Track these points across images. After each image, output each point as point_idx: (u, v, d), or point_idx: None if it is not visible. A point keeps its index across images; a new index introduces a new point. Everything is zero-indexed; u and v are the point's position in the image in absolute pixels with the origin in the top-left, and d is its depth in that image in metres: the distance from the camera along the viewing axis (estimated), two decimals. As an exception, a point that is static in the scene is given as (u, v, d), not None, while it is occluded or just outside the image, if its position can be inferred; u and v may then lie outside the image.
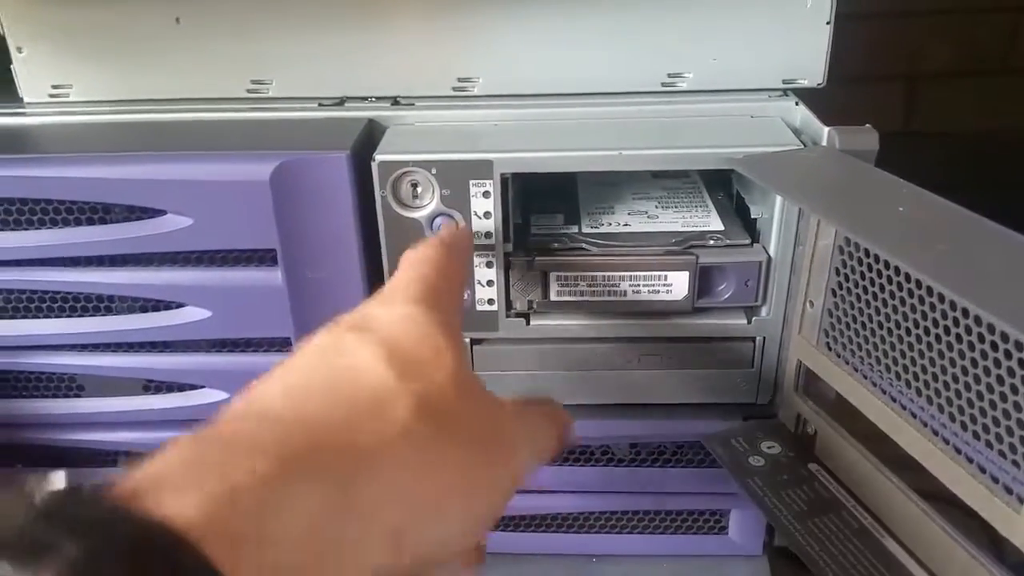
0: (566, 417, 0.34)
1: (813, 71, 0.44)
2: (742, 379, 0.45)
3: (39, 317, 0.45)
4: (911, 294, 0.34)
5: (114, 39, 0.46)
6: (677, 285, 0.43)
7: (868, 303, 0.37)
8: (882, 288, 0.36)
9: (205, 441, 0.22)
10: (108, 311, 0.44)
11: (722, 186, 0.49)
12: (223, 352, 0.45)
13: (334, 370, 0.26)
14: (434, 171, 0.41)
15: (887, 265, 0.35)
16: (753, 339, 0.44)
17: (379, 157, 0.41)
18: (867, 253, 0.37)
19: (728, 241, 0.43)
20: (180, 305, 0.43)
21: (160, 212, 0.41)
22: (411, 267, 0.31)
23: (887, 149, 0.38)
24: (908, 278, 0.34)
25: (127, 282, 0.43)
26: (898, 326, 0.36)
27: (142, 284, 0.42)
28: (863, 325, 0.38)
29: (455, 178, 0.41)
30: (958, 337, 0.32)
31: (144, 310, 0.44)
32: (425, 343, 0.27)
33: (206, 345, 0.45)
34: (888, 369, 0.37)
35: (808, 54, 0.44)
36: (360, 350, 0.26)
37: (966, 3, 0.86)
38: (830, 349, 0.41)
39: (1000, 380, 0.30)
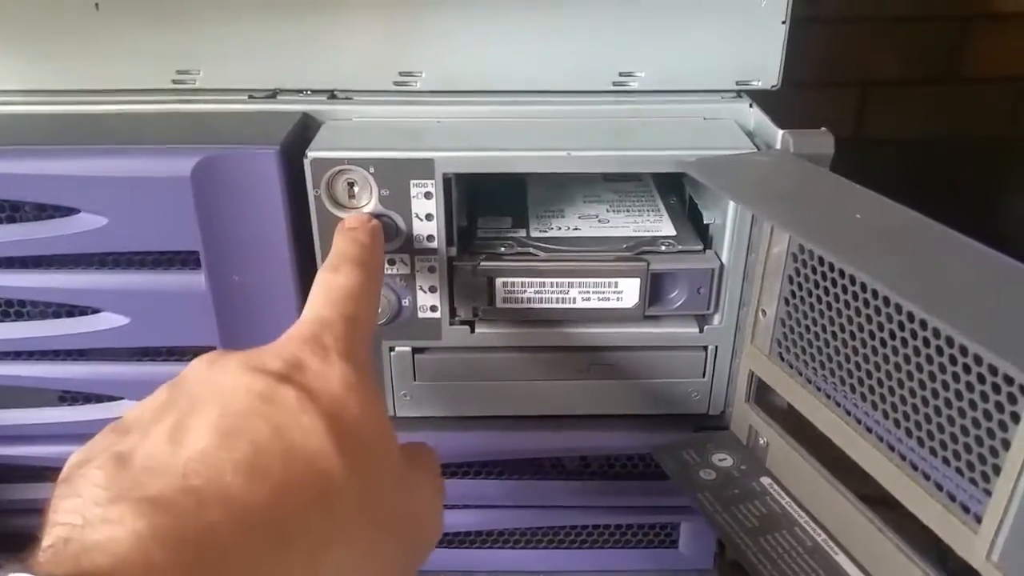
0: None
1: (767, 72, 0.43)
2: (693, 389, 0.44)
3: (-58, 322, 0.41)
4: (867, 304, 0.33)
5: (28, 24, 0.43)
6: (628, 292, 0.41)
7: (822, 313, 0.36)
8: (836, 297, 0.35)
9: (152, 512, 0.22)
10: (19, 316, 0.41)
11: (675, 190, 0.47)
12: (143, 361, 0.42)
13: (278, 438, 0.25)
14: (372, 170, 0.38)
15: (842, 274, 0.34)
16: (705, 348, 0.43)
17: (312, 154, 0.38)
18: (821, 261, 0.35)
19: (680, 247, 0.42)
20: (96, 311, 0.40)
21: (73, 211, 0.38)
22: (337, 301, 0.31)
23: (838, 155, 0.37)
24: (864, 287, 0.33)
25: (38, 285, 0.39)
26: (853, 337, 0.34)
27: (54, 288, 0.39)
28: (816, 335, 0.37)
29: (395, 177, 0.38)
30: (915, 349, 0.31)
31: (58, 315, 0.41)
32: (367, 423, 0.28)
33: (125, 354, 0.42)
34: (842, 381, 0.36)
35: (762, 55, 0.43)
36: (303, 418, 0.26)
37: (915, 11, 0.86)
38: (783, 359, 0.39)
39: (958, 395, 0.29)
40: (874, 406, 0.34)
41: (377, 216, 0.39)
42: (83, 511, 0.22)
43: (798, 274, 0.37)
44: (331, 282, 0.32)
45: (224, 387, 0.27)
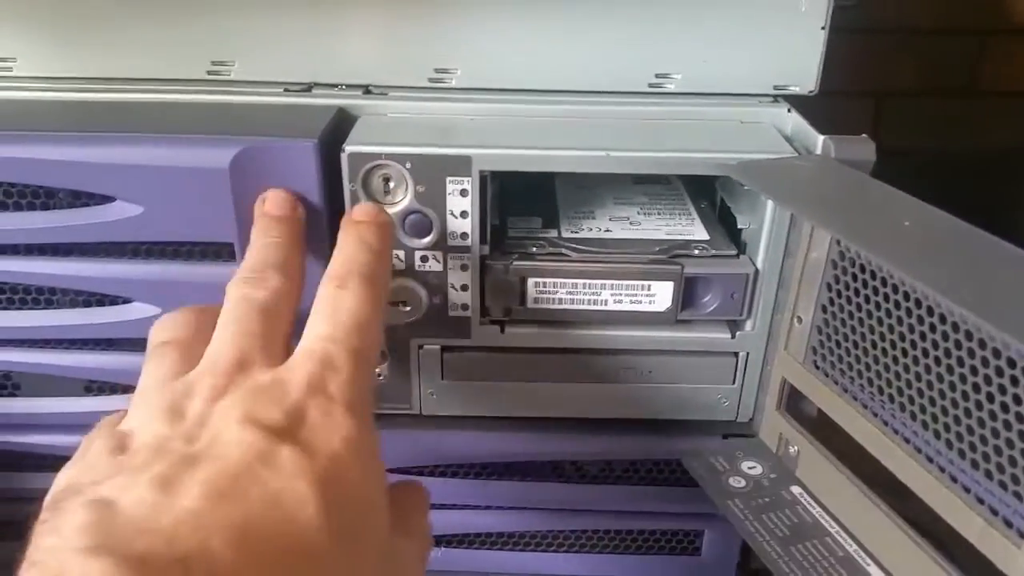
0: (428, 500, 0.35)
1: (805, 78, 0.43)
2: (723, 395, 0.44)
3: (-29, 308, 0.41)
4: (909, 313, 0.33)
5: (63, 10, 0.42)
6: (661, 296, 0.41)
7: (862, 321, 0.36)
8: (878, 306, 0.34)
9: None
10: (49, 304, 0.41)
11: (705, 194, 0.47)
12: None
13: (272, 508, 0.24)
14: (409, 165, 0.38)
15: (884, 281, 0.34)
16: (736, 354, 0.43)
17: (349, 148, 0.38)
18: (862, 268, 0.35)
19: (714, 251, 0.41)
20: (127, 300, 0.40)
21: (108, 199, 0.37)
22: (344, 330, 0.30)
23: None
24: (907, 295, 0.33)
25: (70, 274, 0.39)
26: (893, 346, 0.34)
27: (86, 276, 0.39)
28: (855, 344, 0.36)
29: (431, 174, 0.38)
30: (959, 360, 0.30)
31: (88, 304, 0.41)
32: (362, 491, 0.27)
33: (155, 345, 0.41)
34: (881, 391, 0.35)
35: (801, 60, 0.42)
36: (299, 484, 0.25)
37: (932, 24, 0.86)
38: (817, 367, 0.39)
39: (1004, 407, 0.29)
40: (913, 416, 0.33)
41: (411, 212, 0.39)
42: (61, 557, 0.22)
43: (837, 281, 0.37)
44: (338, 302, 0.30)
45: (222, 439, 0.26)
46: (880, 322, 0.34)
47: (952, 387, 0.31)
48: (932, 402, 0.32)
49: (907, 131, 0.90)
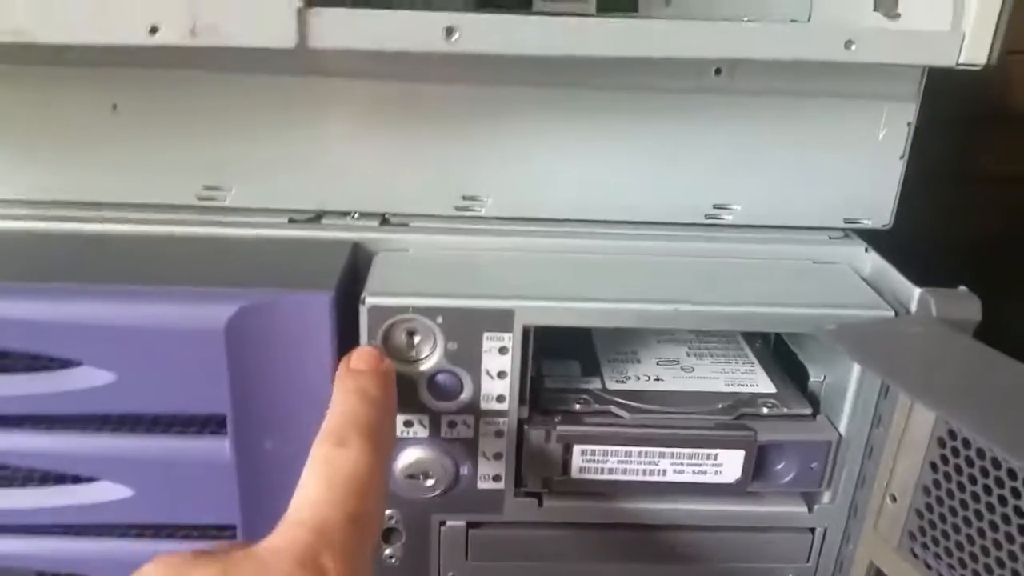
0: None
1: (879, 211, 0.38)
2: (795, 575, 0.38)
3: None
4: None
5: (35, 126, 0.36)
6: (729, 466, 0.35)
7: (979, 513, 0.30)
8: (1003, 500, 0.29)
9: None
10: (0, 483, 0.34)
11: (759, 332, 0.42)
12: (145, 538, 0.34)
13: None
14: (440, 320, 0.32)
15: (1012, 474, 0.28)
16: (812, 530, 0.37)
17: (370, 300, 0.32)
18: (981, 453, 0.30)
19: (785, 410, 0.36)
20: (93, 479, 0.33)
21: (74, 363, 0.31)
22: (341, 494, 0.26)
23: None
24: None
25: (24, 449, 0.32)
26: (1010, 540, 0.28)
27: (43, 452, 0.32)
28: (969, 539, 0.31)
29: (466, 329, 0.32)
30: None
31: (46, 482, 0.33)
32: None
33: (124, 529, 0.34)
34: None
35: (875, 192, 0.38)
36: None
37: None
38: (916, 556, 0.33)
39: None
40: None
41: (439, 372, 0.33)
42: None
43: (946, 462, 0.31)
44: (335, 462, 0.27)
45: None
46: (1008, 520, 0.29)
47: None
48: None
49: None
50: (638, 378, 0.38)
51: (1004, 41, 0.32)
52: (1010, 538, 0.29)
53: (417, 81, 0.36)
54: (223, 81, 0.35)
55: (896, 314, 0.33)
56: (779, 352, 0.40)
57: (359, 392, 0.29)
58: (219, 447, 0.32)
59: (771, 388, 0.37)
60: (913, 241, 0.37)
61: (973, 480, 0.30)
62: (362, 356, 0.31)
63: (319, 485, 0.26)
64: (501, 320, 0.32)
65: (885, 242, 0.38)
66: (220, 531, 0.34)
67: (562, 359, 0.39)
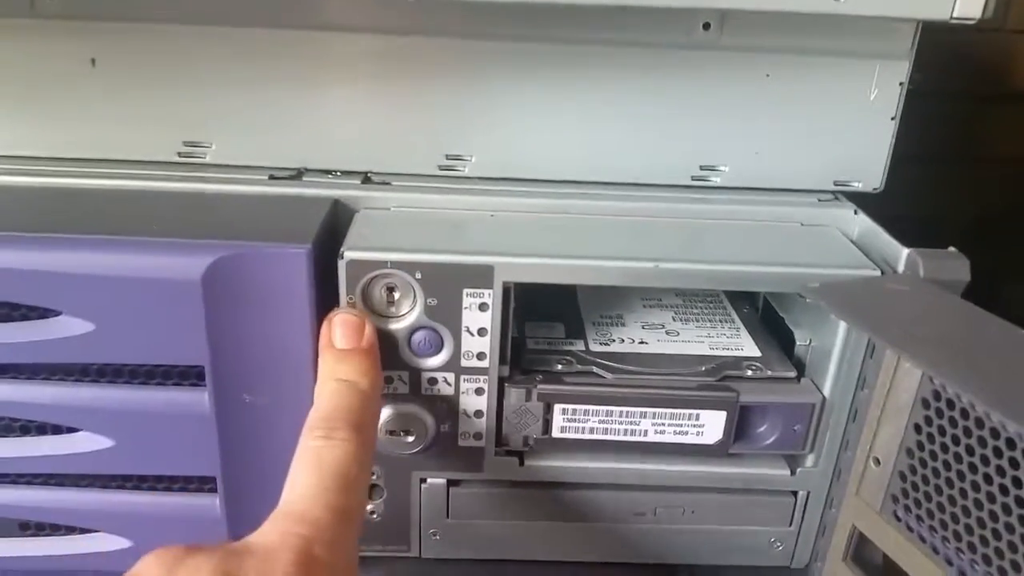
0: None
1: (870, 174, 0.38)
2: (777, 539, 0.37)
3: None
4: (1015, 464, 0.27)
5: (13, 81, 0.36)
6: (711, 426, 0.35)
7: (962, 474, 0.30)
8: (985, 460, 0.29)
9: None
10: (-22, 431, 0.34)
11: (746, 296, 0.41)
12: (126, 490, 0.35)
13: None
14: (419, 275, 0.32)
15: (995, 433, 0.28)
16: (795, 493, 0.37)
17: (348, 254, 0.32)
18: (964, 414, 0.29)
19: (770, 373, 0.36)
20: (73, 429, 0.33)
21: (53, 312, 0.31)
22: (329, 489, 0.26)
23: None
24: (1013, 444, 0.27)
25: (5, 398, 0.32)
26: (1007, 511, 0.28)
27: (25, 402, 0.32)
28: (951, 500, 0.30)
29: (445, 285, 0.32)
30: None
31: (27, 432, 0.34)
32: None
33: (105, 480, 0.34)
34: (987, 561, 0.29)
35: (866, 153, 0.37)
36: None
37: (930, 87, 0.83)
38: (899, 519, 0.33)
39: None
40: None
41: (419, 328, 0.33)
42: None
43: (929, 423, 0.31)
44: (323, 456, 0.27)
45: None
46: (989, 479, 0.29)
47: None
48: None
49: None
50: (622, 341, 0.37)
51: (1010, 17, 0.31)
52: (991, 497, 0.29)
53: (402, 35, 0.35)
54: (204, 36, 0.35)
55: (883, 274, 0.33)
56: (767, 317, 0.40)
57: (346, 380, 0.30)
58: (198, 399, 0.32)
59: (756, 352, 0.37)
60: (914, 220, 0.36)
61: (956, 441, 0.30)
62: (346, 331, 0.31)
63: (309, 478, 0.27)
64: (481, 276, 0.32)
65: (887, 220, 0.37)
66: (201, 482, 0.34)
67: (547, 321, 0.39)
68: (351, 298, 0.32)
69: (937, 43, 0.37)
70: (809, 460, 0.36)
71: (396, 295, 0.33)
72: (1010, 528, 0.28)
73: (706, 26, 0.35)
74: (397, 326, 0.33)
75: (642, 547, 0.38)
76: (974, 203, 0.88)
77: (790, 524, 0.37)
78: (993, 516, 0.29)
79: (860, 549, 0.36)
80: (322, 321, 0.32)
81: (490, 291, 0.32)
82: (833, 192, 0.38)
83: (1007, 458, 0.28)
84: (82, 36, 0.35)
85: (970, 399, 0.29)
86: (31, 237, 0.30)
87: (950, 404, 0.30)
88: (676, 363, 0.36)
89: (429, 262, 0.32)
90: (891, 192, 0.39)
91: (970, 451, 0.29)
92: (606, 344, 0.37)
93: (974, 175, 0.88)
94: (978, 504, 0.29)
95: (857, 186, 0.38)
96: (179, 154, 0.37)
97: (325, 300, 0.32)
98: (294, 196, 0.36)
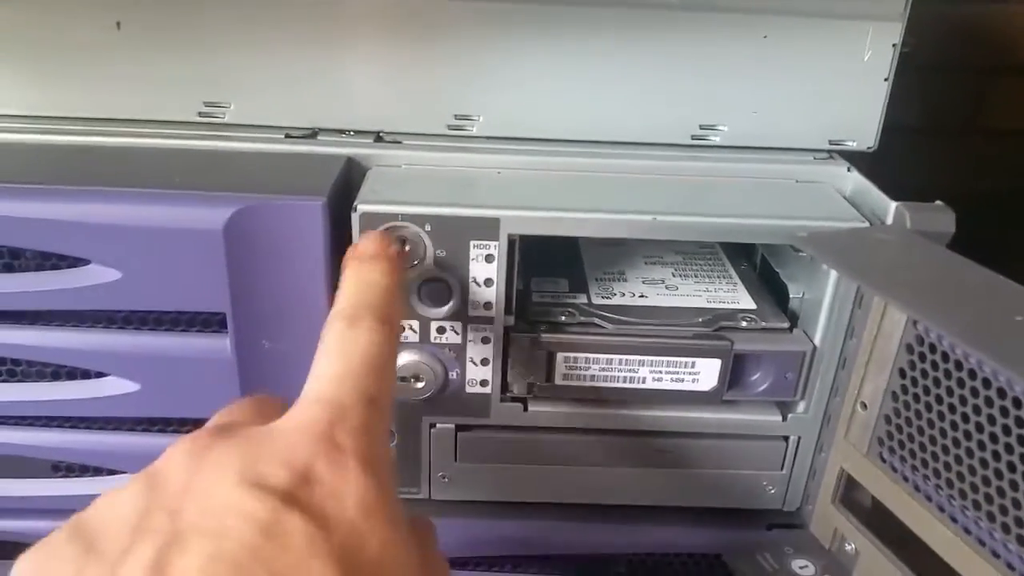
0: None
1: (864, 133, 0.39)
2: (769, 483, 0.39)
3: (-75, 378, 0.36)
4: (1005, 413, 0.29)
5: (39, 42, 0.38)
6: (706, 374, 0.36)
7: (941, 415, 0.31)
8: (963, 400, 0.30)
9: None
10: (12, 376, 0.36)
11: (744, 253, 0.43)
12: (152, 432, 0.37)
13: None
14: (428, 227, 0.33)
15: (972, 374, 0.30)
16: (786, 438, 0.38)
17: (362, 207, 0.33)
18: (945, 357, 0.31)
19: (763, 324, 0.37)
20: (102, 374, 0.35)
21: (82, 261, 0.33)
22: (356, 374, 0.25)
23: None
24: (1003, 394, 0.28)
25: (36, 344, 0.34)
26: (982, 447, 0.30)
27: (55, 347, 0.34)
28: (932, 439, 0.32)
29: (453, 237, 0.34)
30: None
31: (57, 377, 0.36)
32: (387, 566, 0.22)
33: (131, 423, 0.37)
34: (963, 495, 0.31)
35: (860, 114, 0.39)
36: (314, 564, 0.20)
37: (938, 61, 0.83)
38: (884, 460, 0.35)
39: None
40: (991, 518, 0.29)
41: (429, 278, 0.34)
42: None
43: (913, 367, 0.32)
44: (349, 341, 0.26)
45: (216, 507, 0.21)
46: (965, 418, 0.30)
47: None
48: (1018, 504, 0.28)
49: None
50: (623, 295, 0.39)
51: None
52: (968, 435, 0.30)
53: (412, -1, 0.37)
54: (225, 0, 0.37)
55: (871, 226, 0.34)
56: (764, 274, 0.41)
57: (368, 276, 0.29)
58: (221, 345, 0.34)
59: (751, 304, 0.38)
60: (915, 192, 0.37)
61: (937, 383, 0.31)
62: (369, 243, 0.31)
63: (335, 363, 0.26)
64: (487, 228, 0.34)
65: (888, 188, 0.37)
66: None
67: (551, 277, 0.40)
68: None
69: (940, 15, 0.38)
70: (800, 406, 0.38)
71: (407, 247, 0.34)
72: (984, 462, 0.29)
73: (705, -12, 0.36)
74: (408, 276, 0.34)
75: (641, 490, 0.39)
76: (978, 177, 0.88)
77: (782, 468, 0.39)
78: (970, 453, 0.30)
79: (849, 492, 0.38)
80: (337, 273, 0.33)
81: (496, 243, 0.34)
82: (828, 151, 0.40)
83: (983, 397, 0.29)
84: (108, 1, 0.36)
85: (950, 341, 0.30)
86: (62, 189, 0.32)
87: (932, 348, 0.32)
88: (674, 315, 0.38)
89: (438, 215, 0.33)
90: (894, 162, 0.40)
91: (950, 392, 0.31)
92: (608, 298, 0.39)
93: (978, 149, 0.89)
94: (956, 442, 0.31)
95: (851, 145, 0.39)
96: (199, 114, 0.39)
97: (339, 252, 0.33)
98: (309, 154, 0.37)
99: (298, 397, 0.25)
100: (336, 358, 0.26)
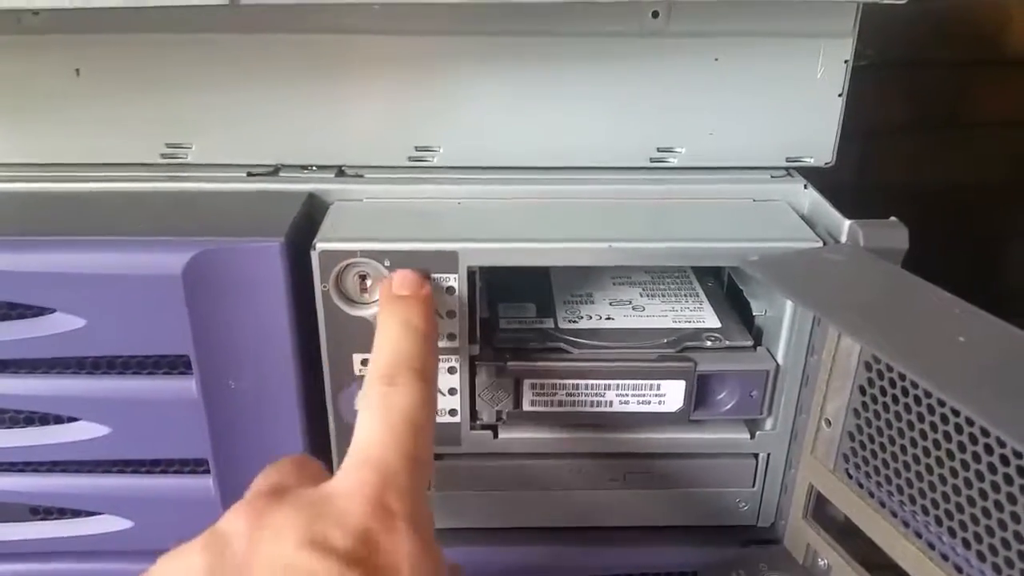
0: None
1: (821, 149, 0.39)
2: (741, 499, 0.40)
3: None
4: (959, 430, 0.29)
5: (2, 92, 0.38)
6: (671, 395, 0.37)
7: (901, 431, 0.32)
8: (920, 417, 0.31)
9: None
10: (-16, 423, 0.36)
11: (711, 271, 0.43)
12: (126, 474, 0.37)
13: None
14: (387, 263, 0.34)
15: (928, 393, 0.30)
16: (755, 455, 0.39)
17: (320, 245, 0.34)
18: (902, 375, 0.31)
19: (728, 343, 0.37)
20: (72, 419, 0.35)
21: (47, 310, 0.33)
22: (399, 435, 0.26)
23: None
24: (956, 411, 0.29)
25: (6, 392, 0.35)
26: (940, 463, 0.30)
27: (26, 395, 0.35)
28: (894, 456, 0.32)
29: (413, 271, 0.34)
30: (1007, 478, 0.27)
31: (30, 423, 0.36)
32: None
33: (105, 465, 0.37)
34: (925, 511, 0.31)
35: (816, 130, 0.39)
36: None
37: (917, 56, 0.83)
38: (850, 476, 0.35)
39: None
40: (952, 533, 0.30)
41: (392, 312, 0.35)
42: None
43: (872, 385, 0.33)
44: (391, 402, 0.27)
45: (282, 568, 0.22)
46: (924, 435, 0.31)
47: (999, 507, 0.27)
48: (975, 520, 0.28)
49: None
50: (590, 318, 0.39)
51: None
52: (927, 452, 0.31)
53: (371, 34, 0.37)
54: (182, 43, 0.37)
55: (824, 245, 0.34)
56: (731, 291, 0.42)
57: (404, 324, 0.30)
58: (186, 386, 0.34)
59: (716, 323, 0.39)
60: (899, 187, 0.37)
61: (896, 400, 0.32)
62: (404, 280, 0.32)
63: (379, 426, 0.27)
64: (446, 261, 0.34)
65: (867, 188, 0.38)
66: (194, 464, 0.37)
67: (519, 302, 0.41)
68: (325, 286, 0.34)
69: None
70: (768, 424, 0.38)
71: (368, 282, 0.35)
72: (943, 479, 0.30)
73: (655, 14, 0.37)
74: (370, 312, 0.35)
75: (615, 511, 0.40)
76: (965, 171, 0.88)
77: (753, 485, 0.39)
78: (930, 469, 0.31)
79: (820, 507, 0.38)
80: (298, 311, 0.34)
81: (455, 275, 0.34)
82: (786, 168, 0.40)
83: (939, 415, 0.30)
84: (66, 48, 0.37)
85: (898, 368, 0.30)
86: (25, 240, 0.33)
87: (888, 367, 0.32)
88: (639, 336, 0.38)
89: (396, 250, 0.34)
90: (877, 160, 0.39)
91: (908, 409, 0.31)
92: (574, 321, 0.39)
93: (965, 142, 0.89)
94: (916, 459, 0.31)
95: (809, 161, 0.40)
96: (162, 155, 0.39)
97: (303, 289, 0.34)
98: (271, 192, 0.38)
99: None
100: (380, 420, 0.27)
